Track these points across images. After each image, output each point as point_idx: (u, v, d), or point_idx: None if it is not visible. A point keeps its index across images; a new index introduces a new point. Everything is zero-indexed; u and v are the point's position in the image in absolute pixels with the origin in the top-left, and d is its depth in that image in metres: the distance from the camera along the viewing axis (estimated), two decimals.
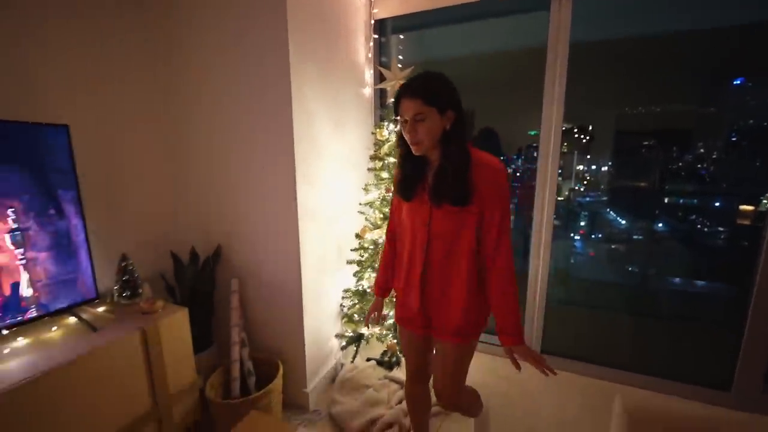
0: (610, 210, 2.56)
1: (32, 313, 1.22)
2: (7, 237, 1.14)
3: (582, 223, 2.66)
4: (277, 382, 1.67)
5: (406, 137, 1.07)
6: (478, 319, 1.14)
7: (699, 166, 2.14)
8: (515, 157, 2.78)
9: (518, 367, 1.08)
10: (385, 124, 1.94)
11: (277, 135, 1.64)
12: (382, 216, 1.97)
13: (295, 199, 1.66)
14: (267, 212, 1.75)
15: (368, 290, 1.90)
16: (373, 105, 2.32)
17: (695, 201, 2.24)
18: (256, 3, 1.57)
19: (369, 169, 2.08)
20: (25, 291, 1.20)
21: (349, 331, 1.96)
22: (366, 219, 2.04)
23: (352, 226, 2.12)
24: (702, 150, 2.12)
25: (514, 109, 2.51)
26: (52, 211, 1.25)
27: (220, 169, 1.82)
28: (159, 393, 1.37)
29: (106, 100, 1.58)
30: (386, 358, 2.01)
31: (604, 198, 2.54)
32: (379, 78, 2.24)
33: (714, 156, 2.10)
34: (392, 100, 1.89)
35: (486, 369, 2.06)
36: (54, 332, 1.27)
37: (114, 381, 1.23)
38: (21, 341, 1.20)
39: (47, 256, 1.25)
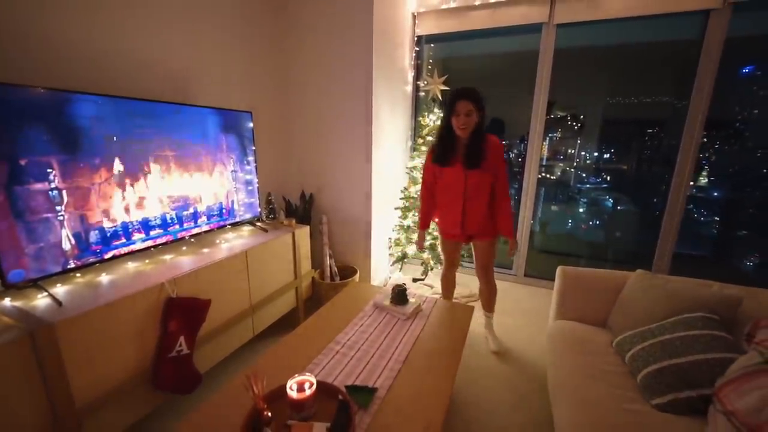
0: (588, 181, 3.32)
1: (236, 218, 2.16)
2: (230, 174, 2.07)
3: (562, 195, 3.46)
4: (355, 277, 2.64)
5: (458, 124, 1.76)
6: (493, 230, 2.03)
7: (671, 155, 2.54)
8: (518, 142, 3.51)
9: (514, 245, 2.02)
10: (426, 114, 2.84)
11: (359, 115, 2.55)
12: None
13: (370, 161, 2.58)
14: (347, 171, 2.68)
15: (411, 225, 2.84)
16: (412, 99, 3.21)
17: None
18: (352, 21, 2.46)
19: (413, 145, 3.00)
20: (236, 206, 2.14)
21: (398, 252, 2.92)
22: (411, 178, 2.96)
23: (397, 183, 3.06)
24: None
25: (518, 100, 3.17)
26: (245, 162, 2.17)
27: (316, 140, 2.75)
28: (297, 271, 2.34)
29: (254, 95, 2.48)
30: (420, 276, 2.98)
31: (590, 175, 3.27)
32: (416, 77, 3.13)
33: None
34: (431, 95, 2.80)
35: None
36: (245, 231, 2.22)
37: (279, 258, 2.19)
38: (231, 234, 2.15)
39: (242, 188, 2.18)
